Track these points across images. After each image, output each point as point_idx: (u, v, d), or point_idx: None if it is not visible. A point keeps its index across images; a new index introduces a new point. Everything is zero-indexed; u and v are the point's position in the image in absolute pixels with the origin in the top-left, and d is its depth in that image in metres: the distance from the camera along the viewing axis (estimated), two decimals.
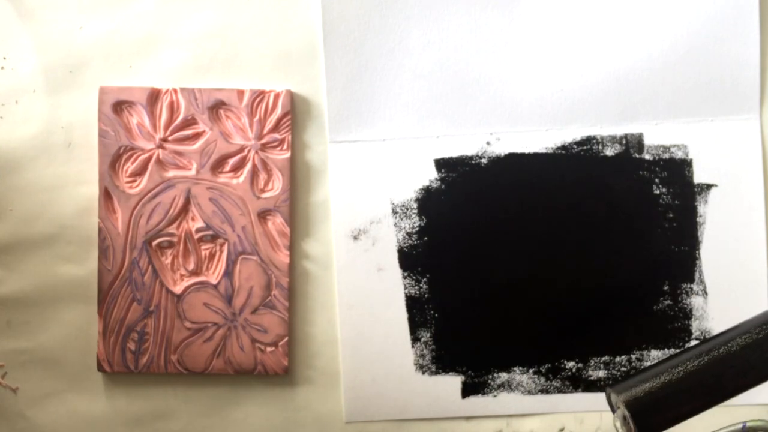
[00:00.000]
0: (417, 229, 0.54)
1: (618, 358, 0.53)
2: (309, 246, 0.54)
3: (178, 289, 0.54)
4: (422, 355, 0.54)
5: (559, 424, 0.54)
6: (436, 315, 0.54)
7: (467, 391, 0.54)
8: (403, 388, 0.54)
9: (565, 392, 0.54)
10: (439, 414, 0.54)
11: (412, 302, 0.54)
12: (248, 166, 0.54)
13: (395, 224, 0.54)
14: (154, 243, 0.55)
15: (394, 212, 0.54)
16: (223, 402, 0.56)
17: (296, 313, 0.55)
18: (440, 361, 0.54)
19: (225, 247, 0.54)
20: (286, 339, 0.54)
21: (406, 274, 0.54)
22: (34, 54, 0.55)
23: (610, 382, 0.53)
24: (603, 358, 0.53)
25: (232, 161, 0.54)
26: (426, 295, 0.54)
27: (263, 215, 0.54)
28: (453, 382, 0.54)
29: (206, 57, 0.54)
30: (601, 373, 0.53)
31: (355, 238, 0.54)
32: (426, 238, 0.54)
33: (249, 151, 0.54)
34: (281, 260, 0.54)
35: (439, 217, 0.54)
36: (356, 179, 0.54)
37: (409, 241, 0.54)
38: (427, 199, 0.54)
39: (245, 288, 0.54)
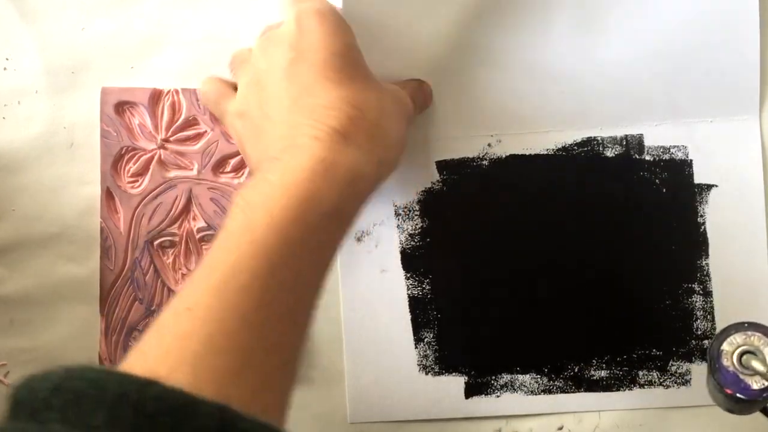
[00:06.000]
0: (419, 230, 0.54)
1: (619, 358, 0.53)
2: None
3: (179, 288, 0.54)
4: (425, 356, 0.54)
5: (557, 422, 0.54)
6: (439, 316, 0.54)
7: (470, 391, 0.54)
8: (406, 389, 0.54)
9: (567, 392, 0.54)
10: (442, 415, 0.54)
11: (415, 303, 0.54)
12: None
13: (398, 226, 0.54)
14: (156, 243, 0.55)
15: (397, 214, 0.54)
16: None
17: None
18: (443, 362, 0.54)
19: None
20: None
21: (408, 275, 0.54)
22: (36, 55, 0.55)
23: (612, 381, 0.53)
24: (604, 358, 0.53)
25: (233, 162, 0.54)
26: (429, 296, 0.54)
27: None
28: (456, 382, 0.54)
29: (208, 58, 0.54)
30: (603, 373, 0.53)
31: (359, 240, 0.54)
32: (428, 240, 0.54)
33: None
34: None
35: (441, 219, 0.54)
36: None
37: (412, 243, 0.54)
38: (429, 201, 0.54)
39: None
